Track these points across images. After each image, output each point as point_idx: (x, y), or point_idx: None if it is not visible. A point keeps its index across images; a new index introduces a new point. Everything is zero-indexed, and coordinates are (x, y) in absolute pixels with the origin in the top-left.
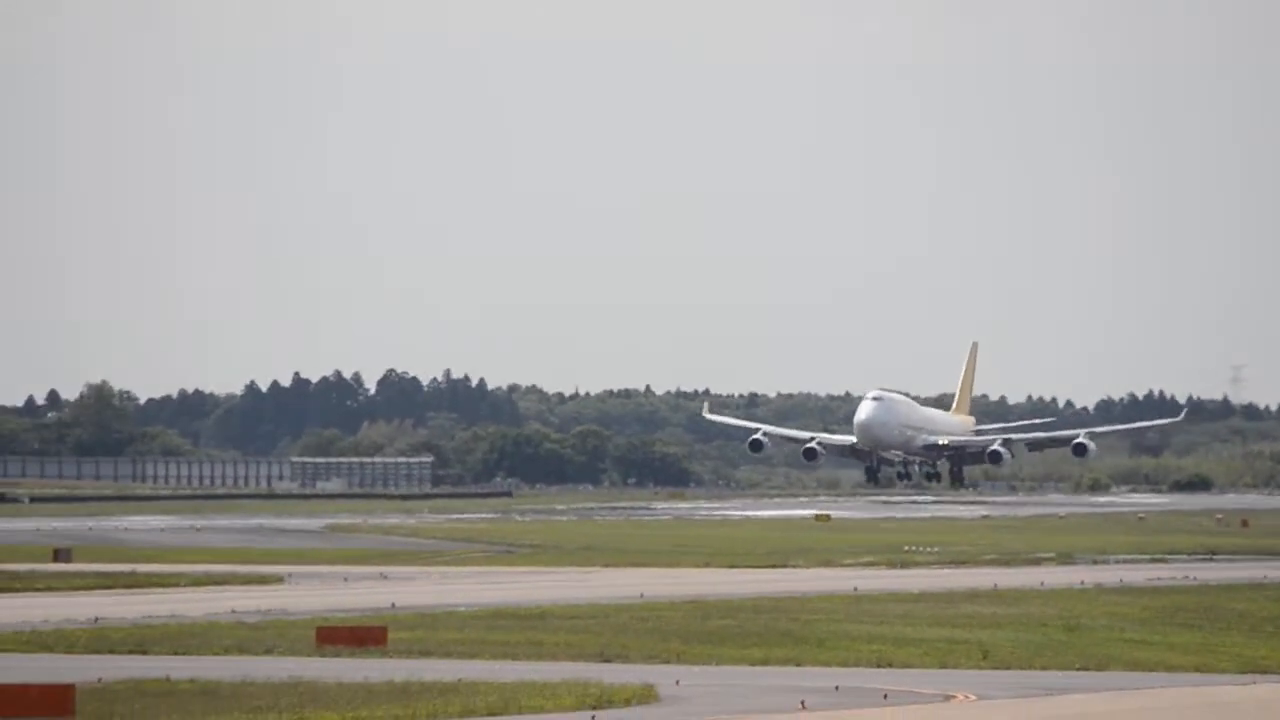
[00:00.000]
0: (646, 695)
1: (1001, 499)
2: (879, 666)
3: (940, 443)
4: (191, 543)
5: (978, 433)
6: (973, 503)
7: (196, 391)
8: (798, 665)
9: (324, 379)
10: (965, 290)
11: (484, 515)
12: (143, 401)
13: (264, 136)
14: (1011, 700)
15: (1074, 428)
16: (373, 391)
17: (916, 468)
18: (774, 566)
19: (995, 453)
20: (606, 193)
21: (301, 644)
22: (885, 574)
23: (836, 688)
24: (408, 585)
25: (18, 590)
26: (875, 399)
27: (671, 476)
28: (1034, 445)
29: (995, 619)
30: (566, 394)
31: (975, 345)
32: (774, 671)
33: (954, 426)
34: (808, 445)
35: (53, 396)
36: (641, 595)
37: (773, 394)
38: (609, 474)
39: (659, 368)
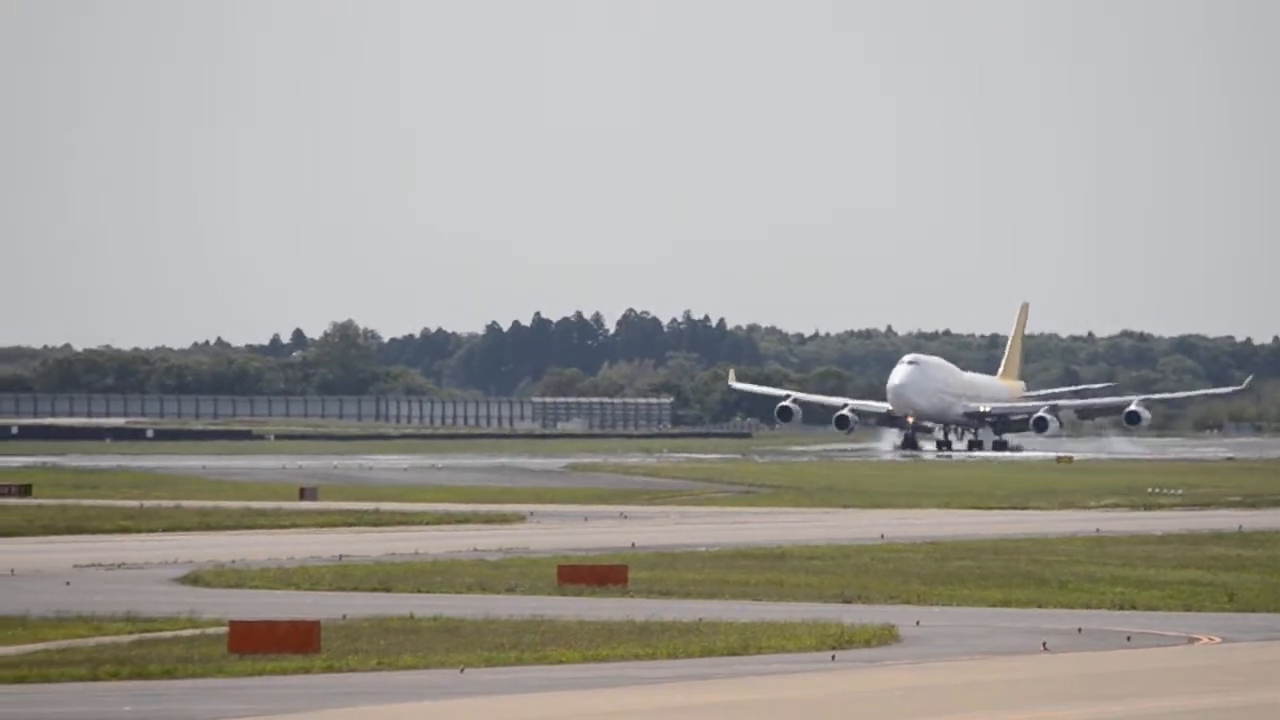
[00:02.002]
0: (887, 636)
1: (1247, 440)
2: (1122, 609)
3: (981, 410)
4: (434, 481)
5: (1027, 398)
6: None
7: (439, 331)
8: (1039, 607)
9: (564, 319)
10: (1203, 226)
11: (723, 455)
12: (386, 341)
13: (501, 74)
14: (1257, 643)
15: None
16: (613, 331)
17: (956, 436)
18: (1015, 508)
19: (1041, 420)
20: (846, 134)
21: (543, 582)
22: (1128, 516)
23: (1079, 630)
24: (648, 524)
25: (265, 528)
26: (910, 363)
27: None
28: (1084, 413)
29: (1240, 561)
30: (807, 334)
31: (1025, 306)
32: (1015, 613)
33: (998, 392)
34: (840, 413)
35: (298, 336)
36: (882, 536)
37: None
38: None
39: (899, 308)
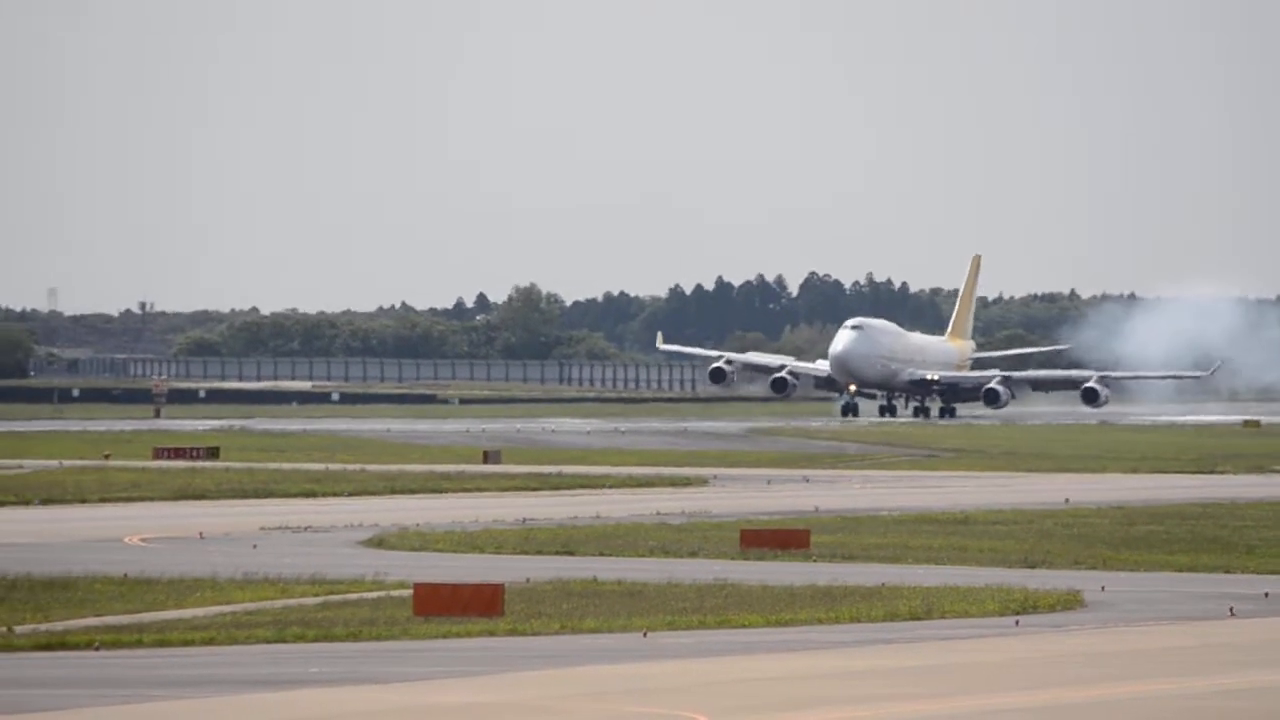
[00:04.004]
0: (1071, 601)
1: None
2: None
3: (929, 378)
4: (616, 445)
5: (975, 362)
6: None
7: (622, 294)
8: (1226, 572)
9: (746, 282)
10: None
11: (906, 419)
12: (569, 304)
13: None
14: None
15: None
16: (795, 294)
17: (903, 403)
18: (1202, 472)
19: (992, 391)
20: (1026, 98)
21: (725, 546)
22: None
23: (1266, 595)
24: (830, 488)
25: (449, 491)
26: (854, 328)
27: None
28: (1038, 385)
29: None
30: (990, 298)
31: (977, 259)
32: (1201, 578)
33: (947, 356)
34: (777, 375)
35: (481, 299)
36: (1066, 501)
37: (1200, 300)
38: None
39: (1084, 272)
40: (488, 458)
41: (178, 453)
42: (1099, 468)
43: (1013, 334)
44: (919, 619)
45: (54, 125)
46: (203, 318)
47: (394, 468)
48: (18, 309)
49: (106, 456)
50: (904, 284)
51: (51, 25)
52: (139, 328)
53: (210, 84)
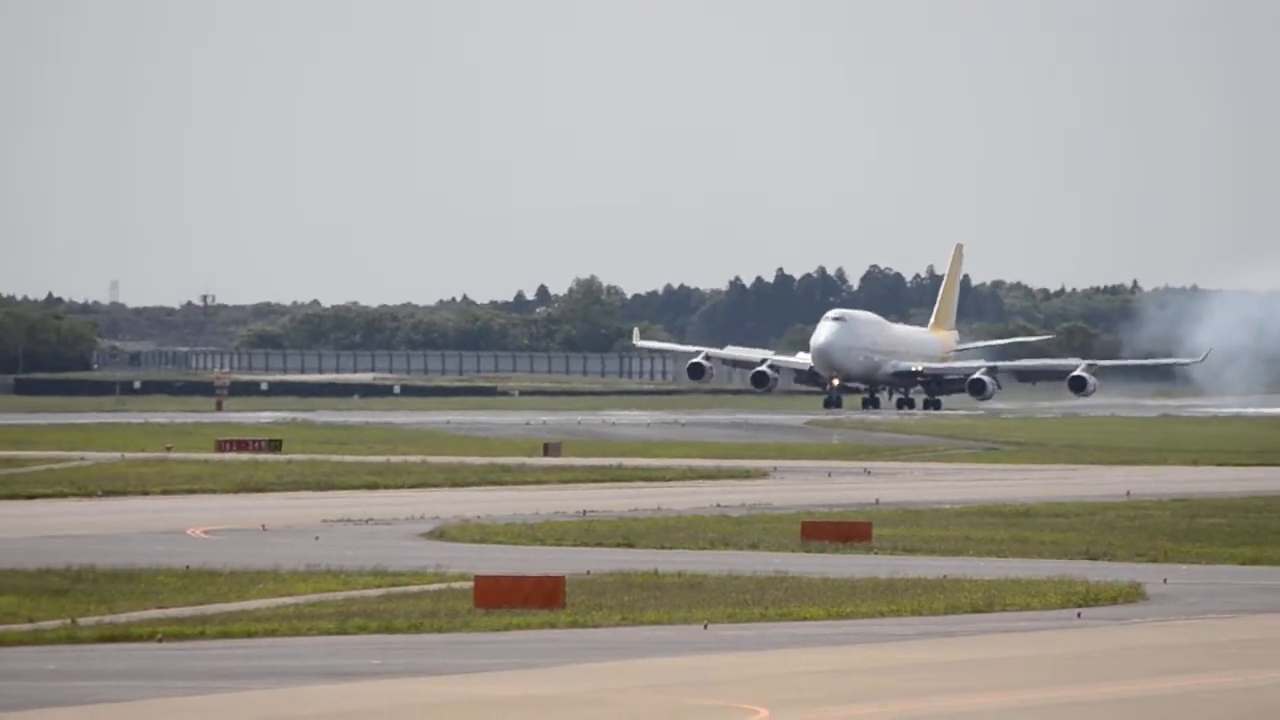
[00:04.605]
0: (1133, 594)
1: None
2: None
3: (913, 369)
4: (676, 437)
5: (959, 352)
6: None
7: (682, 287)
8: None
9: (807, 275)
10: None
11: (967, 411)
12: (629, 297)
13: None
14: None
15: None
16: (855, 287)
17: (887, 395)
18: (1265, 464)
19: (978, 382)
20: (1058, 95)
21: (786, 539)
22: None
23: None
24: (891, 481)
25: (509, 484)
26: (836, 319)
27: (1157, 373)
28: (1024, 375)
29: None
30: (1052, 290)
31: (959, 248)
32: (1265, 571)
33: (930, 347)
34: (757, 370)
35: (542, 292)
36: (1128, 493)
37: (1264, 291)
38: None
39: (1145, 263)
40: (548, 450)
41: (240, 445)
42: (1160, 460)
43: (1074, 326)
44: (980, 612)
45: (117, 118)
46: (264, 310)
47: (455, 460)
48: (80, 301)
49: (168, 449)
50: (965, 276)
51: (122, 21)
52: (201, 320)
53: (269, 79)
